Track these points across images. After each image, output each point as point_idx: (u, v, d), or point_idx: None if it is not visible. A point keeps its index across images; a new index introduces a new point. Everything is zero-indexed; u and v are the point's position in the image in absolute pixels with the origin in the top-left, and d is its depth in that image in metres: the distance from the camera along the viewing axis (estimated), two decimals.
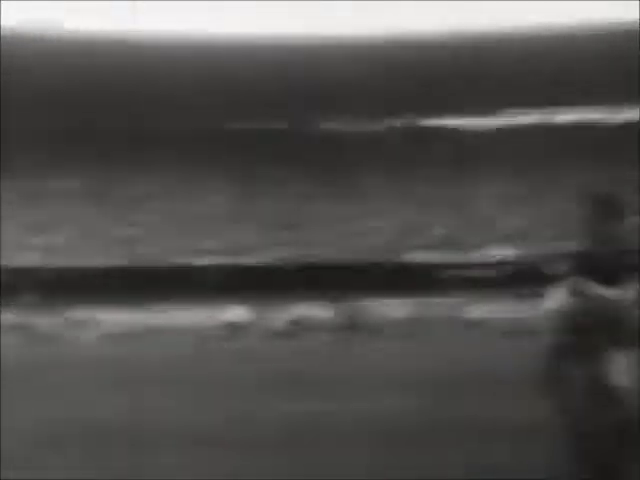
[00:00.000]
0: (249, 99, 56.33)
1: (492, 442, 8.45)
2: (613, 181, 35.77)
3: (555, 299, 5.16)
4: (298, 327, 40.50)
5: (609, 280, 5.11)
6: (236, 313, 40.98)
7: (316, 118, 61.55)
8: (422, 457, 7.78)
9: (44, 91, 52.06)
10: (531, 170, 53.49)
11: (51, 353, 28.34)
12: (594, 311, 5.23)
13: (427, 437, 8.96)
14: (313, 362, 21.82)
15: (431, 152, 57.09)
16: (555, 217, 46.32)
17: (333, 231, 50.59)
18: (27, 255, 46.01)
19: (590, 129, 59.57)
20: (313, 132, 61.22)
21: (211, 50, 52.63)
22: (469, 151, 57.16)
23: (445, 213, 51.38)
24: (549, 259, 31.80)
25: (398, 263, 48.65)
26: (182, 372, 18.85)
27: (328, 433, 9.55)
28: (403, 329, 38.08)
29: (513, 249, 48.46)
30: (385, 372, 17.72)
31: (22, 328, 40.32)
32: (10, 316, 40.74)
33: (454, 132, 61.49)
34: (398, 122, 62.04)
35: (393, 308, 42.45)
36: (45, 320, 41.03)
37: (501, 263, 47.84)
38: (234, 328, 39.19)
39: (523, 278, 41.73)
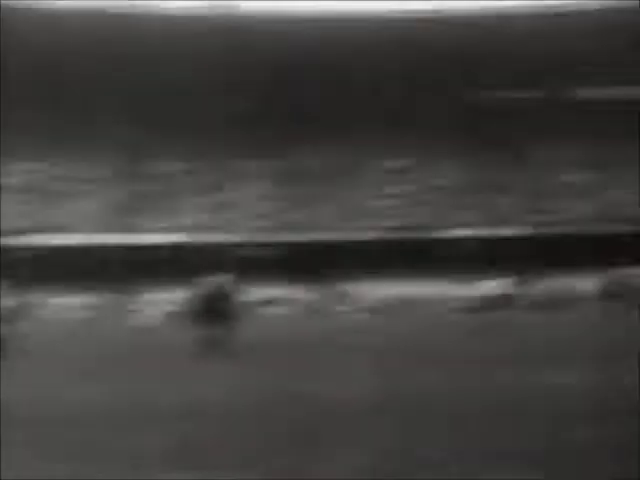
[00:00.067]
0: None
1: None
2: None
3: None
4: (559, 298, 39.57)
5: None
6: (495, 285, 40.52)
7: (571, 87, 59.67)
8: None
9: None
10: None
11: (321, 325, 29.03)
12: None
13: None
14: (577, 333, 21.13)
15: None
16: None
17: (590, 202, 49.21)
18: None
19: None
20: (569, 101, 59.36)
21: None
22: None
23: None
24: None
25: None
26: (440, 345, 18.72)
27: (593, 405, 9.18)
28: None
29: None
30: None
31: (290, 302, 41.77)
32: (280, 291, 42.34)
33: None
34: None
35: None
36: (314, 294, 42.32)
37: None
38: (493, 300, 38.77)
39: None
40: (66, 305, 38.93)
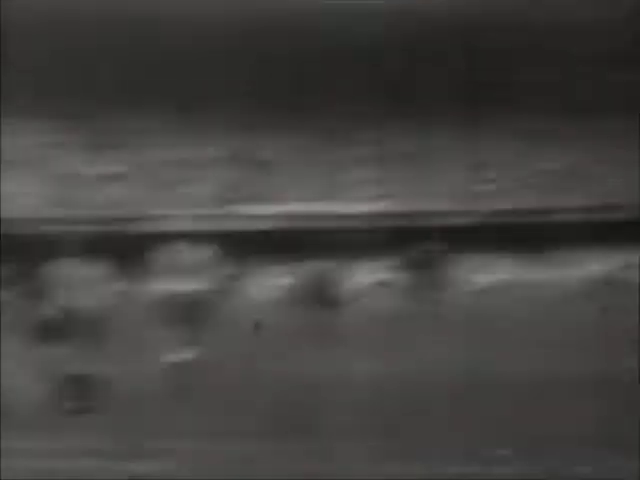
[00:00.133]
0: None
1: None
2: None
3: None
4: None
5: None
6: (605, 267, 39.67)
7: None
8: None
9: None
10: None
11: (429, 310, 28.73)
12: None
13: None
14: None
15: None
16: None
17: None
18: None
19: None
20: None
21: None
22: None
23: None
24: None
25: None
26: (565, 328, 18.10)
27: None
28: None
29: None
30: None
31: (398, 286, 41.58)
32: (389, 275, 42.15)
33: None
34: None
35: None
36: (422, 278, 41.98)
37: None
38: (605, 282, 37.85)
39: None
40: None
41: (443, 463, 3.22)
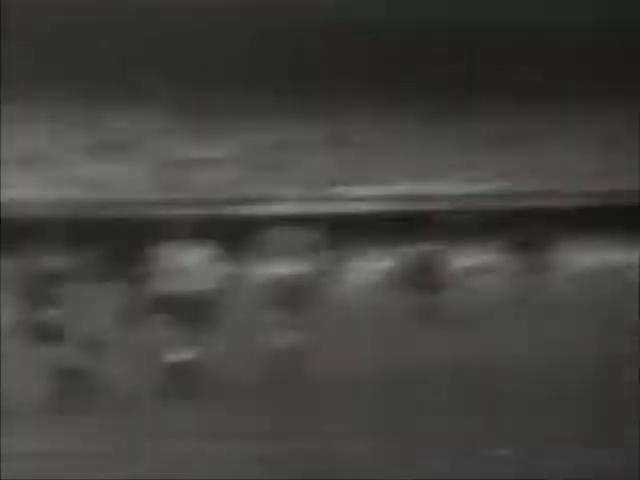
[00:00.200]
0: None
1: None
2: None
3: None
4: None
5: None
6: None
7: None
8: None
9: None
10: None
11: (528, 292, 28.95)
12: None
13: None
14: None
15: None
16: None
17: None
18: None
19: None
20: None
21: None
22: None
23: None
24: None
25: None
26: None
27: None
28: None
29: None
30: None
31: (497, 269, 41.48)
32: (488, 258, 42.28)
33: None
34: None
35: None
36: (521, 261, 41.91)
37: None
38: None
39: None
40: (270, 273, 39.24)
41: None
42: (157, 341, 8.96)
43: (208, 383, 8.76)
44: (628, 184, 46.13)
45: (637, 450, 5.02)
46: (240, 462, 5.94)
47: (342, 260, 43.87)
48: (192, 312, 8.79)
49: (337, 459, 5.94)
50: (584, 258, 43.71)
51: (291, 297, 9.23)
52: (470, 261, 41.51)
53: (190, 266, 8.85)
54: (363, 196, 49.25)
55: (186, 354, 8.78)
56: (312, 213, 42.75)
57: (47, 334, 8.04)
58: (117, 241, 37.93)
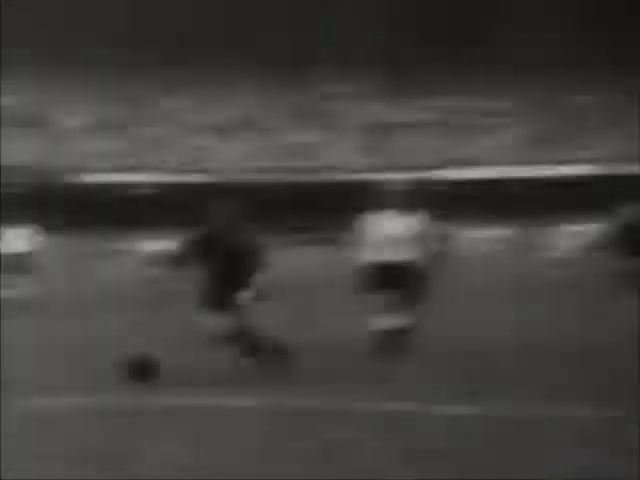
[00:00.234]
0: None
1: None
2: None
3: None
4: None
5: None
6: None
7: None
8: None
9: None
10: None
11: None
12: None
13: None
14: None
15: None
16: None
17: None
18: None
19: None
20: None
21: None
22: None
23: None
24: None
25: None
26: None
27: None
28: None
29: None
30: None
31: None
32: None
33: None
34: None
35: None
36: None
37: None
38: None
39: None
40: (479, 238, 38.13)
41: None
42: (367, 309, 8.93)
43: (419, 350, 8.80)
44: None
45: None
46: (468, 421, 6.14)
47: (543, 224, 41.17)
48: (400, 280, 8.73)
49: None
50: None
51: (492, 260, 8.88)
52: None
53: (398, 233, 8.82)
54: (574, 159, 45.69)
55: (397, 322, 8.76)
56: (511, 177, 41.01)
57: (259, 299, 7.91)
58: (326, 208, 38.29)
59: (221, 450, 5.49)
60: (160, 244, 25.84)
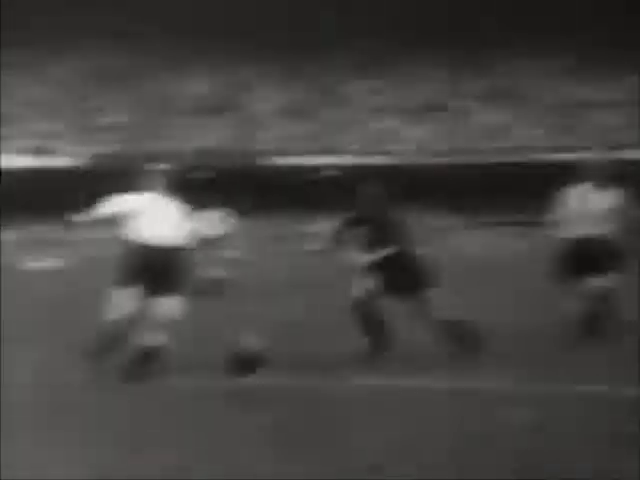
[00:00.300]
0: None
1: None
2: None
3: None
4: None
5: None
6: None
7: None
8: None
9: None
10: None
11: None
12: None
13: None
14: None
15: None
16: None
17: None
18: None
19: None
20: None
21: None
22: None
23: None
24: None
25: None
26: None
27: None
28: None
29: None
30: None
31: None
32: None
33: None
34: None
35: None
36: None
37: None
38: None
39: None
40: None
41: None
42: (561, 292, 8.86)
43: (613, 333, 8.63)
44: None
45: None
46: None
47: None
48: (595, 255, 8.62)
49: None
50: None
51: None
52: None
53: (594, 210, 8.72)
54: None
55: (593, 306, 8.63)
56: None
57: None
58: (519, 189, 38.19)
59: (411, 432, 5.53)
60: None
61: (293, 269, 20.61)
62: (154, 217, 7.37)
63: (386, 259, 8.07)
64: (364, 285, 8.11)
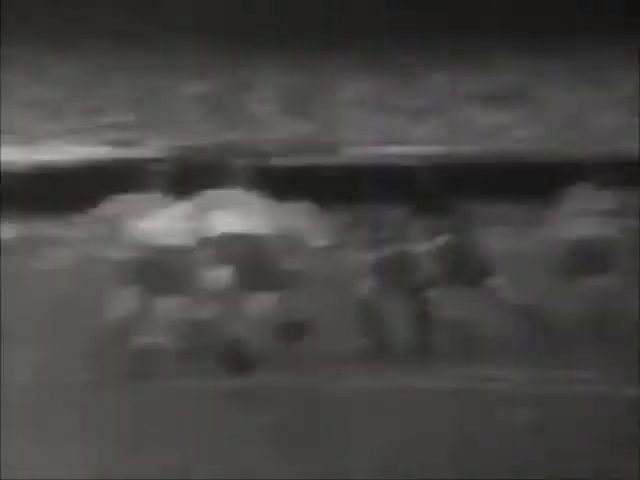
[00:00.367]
0: None
1: None
2: None
3: None
4: None
5: None
6: None
7: None
8: None
9: None
10: None
11: None
12: None
13: None
14: None
15: None
16: None
17: None
18: None
19: None
20: None
21: None
22: None
23: None
24: None
25: None
26: None
27: None
28: None
29: None
30: None
31: None
32: None
33: None
34: None
35: None
36: None
37: None
38: None
39: None
40: None
41: None
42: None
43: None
44: None
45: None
46: None
47: None
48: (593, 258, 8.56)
49: None
50: None
51: None
52: None
53: (596, 211, 8.69)
54: None
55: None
56: None
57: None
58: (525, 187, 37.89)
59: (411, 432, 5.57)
60: None
61: None
62: (237, 211, 7.38)
63: (446, 248, 8.04)
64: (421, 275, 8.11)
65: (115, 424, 5.90)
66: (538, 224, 9.04)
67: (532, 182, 35.20)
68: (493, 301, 8.05)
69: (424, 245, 8.18)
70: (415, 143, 41.59)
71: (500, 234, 23.64)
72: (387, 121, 42.29)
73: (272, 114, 42.05)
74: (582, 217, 8.61)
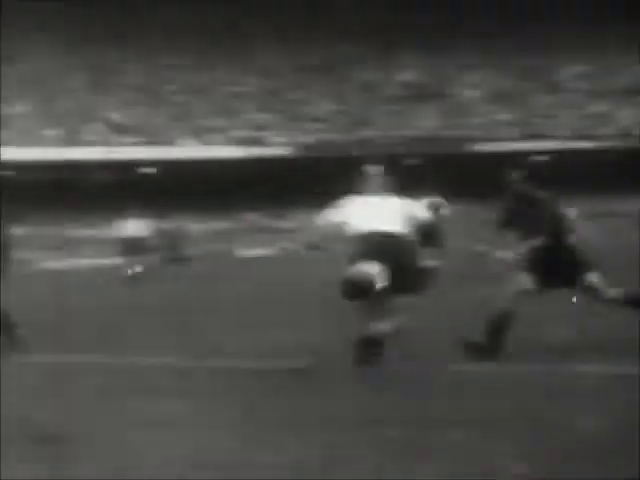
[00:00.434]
0: None
1: None
2: None
3: None
4: None
5: None
6: None
7: None
8: None
9: None
10: None
11: None
12: None
13: None
14: None
15: None
16: None
17: None
18: None
19: None
20: None
21: None
22: None
23: None
24: None
25: None
26: None
27: None
28: None
29: None
30: None
31: None
32: None
33: None
34: None
35: None
36: None
37: None
38: None
39: None
40: None
41: None
42: None
43: None
44: None
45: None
46: None
47: None
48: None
49: None
50: None
51: None
52: None
53: None
54: None
55: None
56: None
57: None
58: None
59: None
60: None
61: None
62: (375, 214, 7.37)
63: (542, 249, 8.01)
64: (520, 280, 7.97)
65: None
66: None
67: None
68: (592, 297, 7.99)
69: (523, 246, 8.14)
70: (546, 138, 42.03)
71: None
72: (514, 116, 42.99)
73: (399, 112, 42.41)
74: None
